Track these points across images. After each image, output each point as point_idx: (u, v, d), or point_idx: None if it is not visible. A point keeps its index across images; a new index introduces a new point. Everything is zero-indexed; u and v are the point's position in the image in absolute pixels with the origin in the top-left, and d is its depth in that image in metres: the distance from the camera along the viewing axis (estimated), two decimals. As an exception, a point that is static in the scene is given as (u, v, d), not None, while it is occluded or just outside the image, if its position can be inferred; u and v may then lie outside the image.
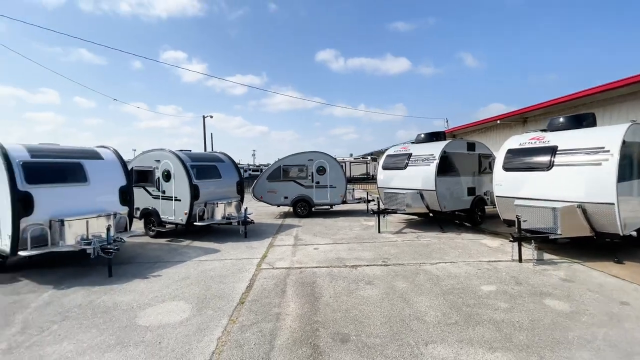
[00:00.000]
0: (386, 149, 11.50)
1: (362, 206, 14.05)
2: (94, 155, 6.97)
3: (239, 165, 11.69)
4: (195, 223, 8.63)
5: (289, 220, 11.60)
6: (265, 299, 4.60)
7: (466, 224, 10.11)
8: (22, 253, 5.47)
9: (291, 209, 12.89)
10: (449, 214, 9.49)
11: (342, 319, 3.96)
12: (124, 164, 7.32)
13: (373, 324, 3.83)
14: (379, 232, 8.86)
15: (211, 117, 37.66)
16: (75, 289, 5.18)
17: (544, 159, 6.91)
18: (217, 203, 9.07)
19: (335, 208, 13.51)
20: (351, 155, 46.83)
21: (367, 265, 6.04)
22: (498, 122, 14.61)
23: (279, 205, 12.78)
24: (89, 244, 5.84)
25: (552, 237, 6.31)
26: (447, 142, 9.10)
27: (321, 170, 12.24)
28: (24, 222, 5.60)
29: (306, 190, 12.26)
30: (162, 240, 8.77)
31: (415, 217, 11.13)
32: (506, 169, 7.67)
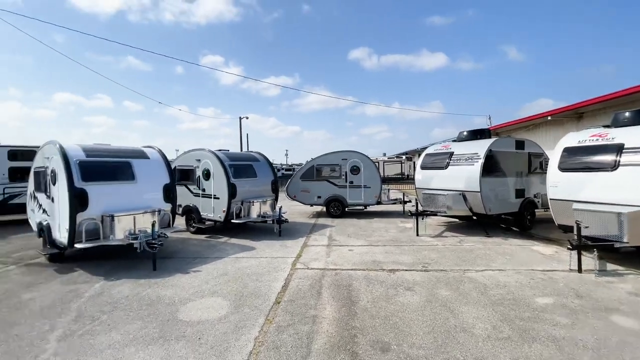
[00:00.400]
0: (423, 148, 11.04)
1: (397, 208, 13.63)
2: (141, 154, 7.37)
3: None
4: (232, 220, 8.83)
5: (322, 220, 11.52)
6: (300, 300, 4.52)
7: (514, 228, 9.37)
8: (77, 245, 5.90)
9: (324, 209, 12.81)
10: (495, 217, 8.85)
11: (382, 326, 3.77)
12: (167, 163, 7.66)
13: (415, 334, 3.59)
14: (417, 235, 8.47)
15: (247, 118, 38.92)
16: (123, 281, 5.48)
17: (608, 158, 6.18)
18: (253, 201, 9.22)
19: (370, 209, 13.20)
20: (384, 154, 45.92)
21: (406, 270, 5.76)
22: (549, 118, 13.43)
23: (312, 205, 12.75)
24: (136, 238, 6.15)
25: (617, 245, 5.61)
26: (493, 139, 8.47)
27: (355, 170, 12.02)
28: (80, 217, 6.03)
29: (339, 190, 12.10)
30: (202, 237, 9.08)
31: (456, 219, 10.55)
32: (562, 169, 6.97)
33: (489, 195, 8.27)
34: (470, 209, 8.55)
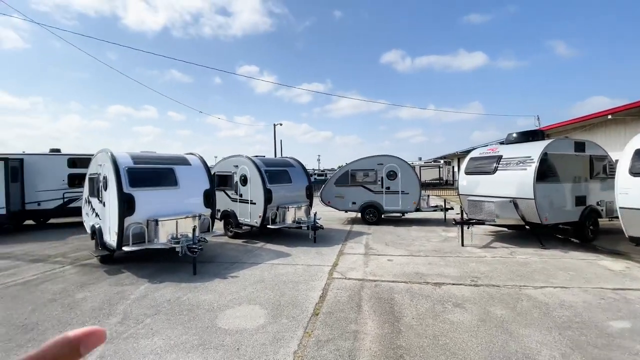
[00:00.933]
0: (464, 152, 10.35)
1: (437, 215, 12.93)
2: (183, 161, 7.63)
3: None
4: (268, 226, 8.86)
5: (357, 227, 11.22)
6: (340, 313, 4.30)
7: (573, 239, 8.43)
8: (125, 248, 6.18)
9: (359, 215, 12.49)
10: (550, 227, 8.02)
11: (431, 347, 3.44)
12: (207, 169, 7.87)
13: (470, 358, 3.22)
14: (463, 245, 7.89)
15: (281, 124, 39.57)
16: (165, 284, 5.62)
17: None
18: (288, 207, 9.19)
19: (407, 216, 12.66)
20: (420, 158, 44.29)
21: (453, 284, 5.32)
22: (609, 117, 12.09)
23: (346, 211, 12.50)
24: (178, 242, 6.33)
25: None
26: (548, 141, 7.70)
27: (392, 175, 11.59)
28: (127, 221, 6.32)
29: (375, 196, 11.73)
30: (239, 241, 9.20)
31: (504, 229, 9.74)
32: (634, 173, 6.14)
33: (545, 202, 7.50)
34: (522, 218, 7.81)
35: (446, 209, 11.87)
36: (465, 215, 8.19)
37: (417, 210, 11.39)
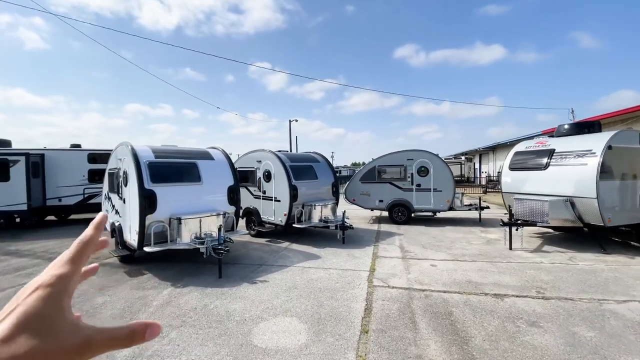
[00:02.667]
0: (487, 148, 9.41)
1: (469, 215, 12.07)
2: (206, 155, 7.15)
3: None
4: (294, 225, 8.31)
5: (385, 227, 10.53)
6: (393, 331, 3.68)
7: (634, 243, 7.49)
8: (146, 249, 5.73)
9: (386, 214, 11.78)
10: (610, 229, 7.11)
11: (520, 382, 2.77)
12: (231, 164, 7.37)
13: (577, 401, 2.54)
14: (511, 248, 7.10)
15: (296, 121, 39.01)
16: (190, 289, 5.13)
17: None
18: (314, 205, 8.61)
19: (439, 215, 11.86)
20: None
21: (517, 296, 4.59)
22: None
23: (372, 209, 11.82)
24: (202, 243, 5.84)
25: None
26: (612, 133, 6.78)
27: (423, 171, 10.82)
28: (149, 219, 5.87)
29: (405, 193, 11.00)
30: (262, 240, 8.69)
31: (550, 230, 8.84)
32: None
33: (608, 202, 6.62)
34: (580, 219, 6.95)
35: (482, 208, 11.01)
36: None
37: (451, 209, 10.59)
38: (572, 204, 6.94)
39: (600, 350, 3.24)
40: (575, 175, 6.89)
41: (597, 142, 6.77)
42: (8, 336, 0.33)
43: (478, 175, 36.50)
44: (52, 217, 12.84)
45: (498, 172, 29.50)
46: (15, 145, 12.37)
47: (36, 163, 11.20)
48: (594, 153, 6.65)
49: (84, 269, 0.44)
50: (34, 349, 0.33)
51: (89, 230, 0.45)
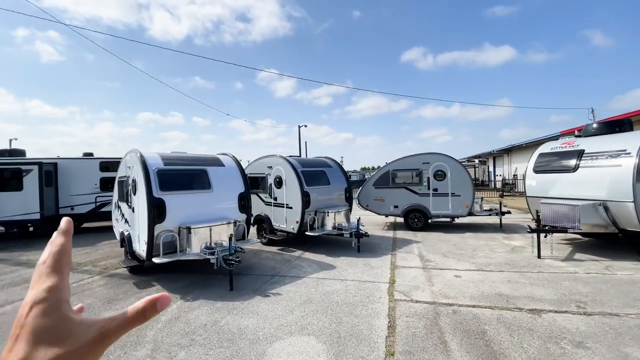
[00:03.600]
0: (501, 150, 8.93)
1: (489, 220, 11.55)
2: (216, 162, 6.95)
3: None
4: (307, 232, 8.01)
5: (401, 234, 10.13)
6: (422, 353, 3.32)
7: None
8: (155, 260, 5.52)
9: (400, 220, 11.37)
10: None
11: (578, 420, 2.38)
12: (242, 170, 7.15)
13: None
14: (539, 257, 6.63)
15: (305, 126, 38.83)
16: (200, 303, 4.88)
17: None
18: (327, 212, 8.30)
19: (457, 221, 11.38)
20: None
21: (556, 312, 4.17)
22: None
23: (387, 215, 11.42)
24: (212, 253, 5.60)
25: None
26: (649, 132, 6.30)
27: (439, 175, 10.41)
28: (158, 229, 5.67)
29: (421, 198, 10.58)
30: (274, 249, 8.42)
31: (578, 236, 8.30)
32: None
33: (648, 206, 6.10)
34: (614, 224, 6.45)
35: (502, 213, 10.50)
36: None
37: (470, 214, 10.12)
38: (606, 208, 6.45)
39: (665, 379, 2.82)
40: (608, 177, 6.40)
41: (631, 141, 6.29)
42: (25, 357, 0.35)
43: (492, 179, 35.60)
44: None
45: (514, 175, 28.68)
46: (31, 154, 12.53)
47: (49, 172, 11.25)
48: (629, 153, 6.16)
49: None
50: (55, 358, 0.35)
51: (58, 239, 0.45)
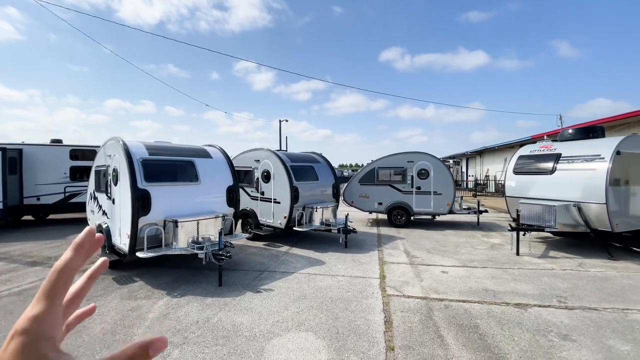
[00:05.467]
0: (474, 152, 9.29)
1: (467, 218, 12.02)
2: (203, 153, 6.68)
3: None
4: (294, 228, 7.92)
5: (385, 230, 10.28)
6: (421, 347, 3.37)
7: (635, 249, 7.49)
8: (139, 254, 5.24)
9: (383, 216, 11.55)
10: (614, 234, 7.07)
11: (574, 409, 2.51)
12: (231, 163, 6.93)
13: None
14: (518, 254, 6.96)
15: (286, 121, 38.26)
16: (188, 299, 4.69)
17: None
18: (315, 207, 8.26)
19: (437, 219, 11.74)
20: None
21: (540, 306, 4.38)
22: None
23: (371, 212, 11.58)
24: (201, 248, 5.39)
25: None
26: (622, 137, 6.74)
27: (423, 174, 10.65)
28: (142, 221, 5.38)
29: (404, 196, 10.79)
30: (260, 244, 8.27)
31: (551, 235, 8.80)
32: None
33: (617, 208, 6.57)
34: (587, 224, 6.88)
35: (480, 212, 10.94)
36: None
37: (451, 212, 10.45)
38: (579, 209, 6.86)
39: (644, 368, 3.03)
40: (583, 180, 6.81)
41: (605, 147, 6.72)
42: None
43: (465, 179, 37.02)
44: (29, 217, 11.98)
45: (486, 176, 29.99)
46: (-12, 139, 11.47)
47: (13, 159, 10.40)
48: (603, 158, 6.59)
49: (79, 311, 0.40)
50: None
51: (67, 254, 0.39)
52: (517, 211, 7.21)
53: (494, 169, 26.93)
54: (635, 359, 3.18)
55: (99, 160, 6.91)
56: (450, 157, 41.44)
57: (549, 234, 8.82)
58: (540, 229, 7.02)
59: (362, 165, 12.06)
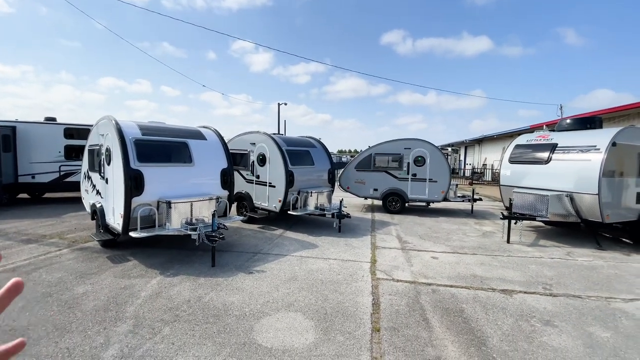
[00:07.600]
0: (473, 140, 9.27)
1: (461, 206, 12.13)
2: (198, 135, 6.62)
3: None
4: (289, 212, 7.96)
5: (379, 216, 10.36)
6: (406, 329, 3.46)
7: (625, 240, 7.61)
8: (132, 234, 5.27)
9: (378, 202, 11.61)
10: (605, 225, 7.16)
11: (548, 389, 2.61)
12: (225, 145, 6.88)
13: (610, 410, 2.39)
14: (508, 242, 7.06)
15: (285, 104, 37.72)
16: (181, 278, 4.76)
17: None
18: (310, 192, 8.28)
19: (432, 206, 11.82)
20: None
21: (525, 293, 4.48)
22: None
23: (366, 198, 11.62)
24: (194, 229, 5.43)
25: None
26: (618, 129, 6.72)
27: (419, 161, 10.63)
28: (135, 202, 5.39)
29: (400, 183, 10.81)
30: (254, 226, 8.34)
31: (542, 224, 8.91)
32: None
33: (609, 199, 6.62)
34: (578, 214, 6.95)
35: (474, 200, 11.01)
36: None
37: (445, 200, 10.51)
38: (572, 199, 6.91)
39: (620, 353, 3.13)
40: (577, 170, 6.83)
41: (601, 138, 6.70)
42: None
43: (462, 167, 37.05)
44: (24, 195, 11.97)
45: (483, 165, 30.01)
46: (-18, 115, 11.30)
47: (7, 136, 10.28)
48: (598, 149, 6.58)
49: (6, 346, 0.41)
50: None
51: None
52: (510, 200, 7.26)
53: (492, 157, 26.93)
54: (614, 345, 3.28)
55: (92, 139, 6.84)
56: (448, 145, 41.38)
57: (541, 223, 8.94)
58: (532, 218, 7.09)
59: (361, 151, 12.04)
